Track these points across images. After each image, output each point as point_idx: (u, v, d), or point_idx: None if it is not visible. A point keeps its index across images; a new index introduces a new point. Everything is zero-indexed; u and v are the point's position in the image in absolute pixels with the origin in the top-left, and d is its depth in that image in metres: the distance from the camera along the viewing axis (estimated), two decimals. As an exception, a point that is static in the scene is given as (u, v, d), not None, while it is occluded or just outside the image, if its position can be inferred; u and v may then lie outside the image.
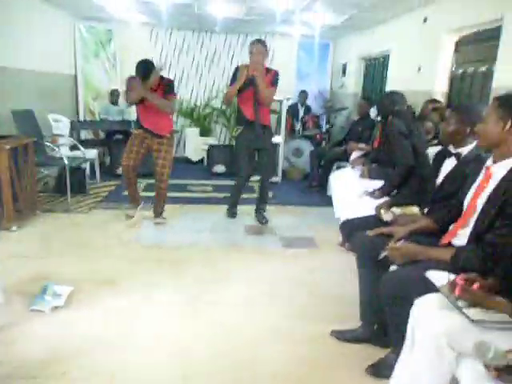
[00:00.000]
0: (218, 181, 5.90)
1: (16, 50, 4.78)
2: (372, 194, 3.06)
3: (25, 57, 4.99)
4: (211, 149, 6.56)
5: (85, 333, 2.25)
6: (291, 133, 6.77)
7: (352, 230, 2.49)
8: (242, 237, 3.86)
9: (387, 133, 3.19)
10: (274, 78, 3.90)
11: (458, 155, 2.27)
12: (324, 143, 6.50)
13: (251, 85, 3.78)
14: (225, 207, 4.50)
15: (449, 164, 2.30)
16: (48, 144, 4.57)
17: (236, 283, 2.92)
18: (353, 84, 6.67)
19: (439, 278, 1.62)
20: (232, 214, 4.35)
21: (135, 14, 5.99)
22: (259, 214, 4.28)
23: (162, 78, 3.83)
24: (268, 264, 3.26)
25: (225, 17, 5.57)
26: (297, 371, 2.02)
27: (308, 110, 7.08)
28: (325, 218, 4.30)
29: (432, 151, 2.68)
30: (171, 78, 3.89)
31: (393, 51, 5.36)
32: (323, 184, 5.27)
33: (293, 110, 6.99)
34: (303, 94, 7.07)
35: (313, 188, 5.54)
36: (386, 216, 2.48)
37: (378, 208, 2.57)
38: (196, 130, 7.35)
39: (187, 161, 7.24)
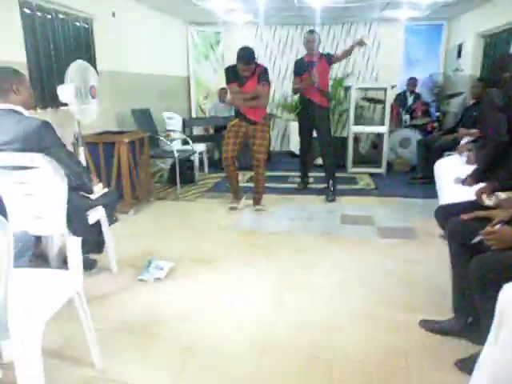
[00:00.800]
0: (318, 173, 5.86)
1: (136, 56, 5.40)
2: (464, 182, 2.75)
3: (143, 62, 5.60)
4: (314, 141, 6.54)
5: (179, 301, 2.48)
6: (398, 122, 6.42)
7: (448, 216, 2.30)
8: (337, 226, 3.81)
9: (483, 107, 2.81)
10: (328, 60, 4.55)
11: None
12: (435, 132, 6.02)
13: (308, 70, 4.49)
14: (323, 197, 4.58)
15: None
16: (162, 138, 5.07)
17: (325, 269, 2.91)
18: (470, 66, 6.05)
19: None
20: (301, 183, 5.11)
21: (240, 14, 6.27)
22: (327, 191, 4.67)
23: (257, 64, 3.98)
24: (361, 252, 3.18)
25: (325, 6, 5.52)
26: (376, 357, 1.96)
27: (417, 98, 6.63)
28: (429, 210, 3.97)
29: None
30: (267, 68, 4.04)
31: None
32: (429, 175, 4.91)
33: (401, 99, 6.63)
34: (412, 81, 6.64)
35: (418, 179, 5.20)
36: (488, 201, 2.24)
37: (479, 192, 2.32)
38: (300, 124, 7.40)
39: (292, 155, 7.36)
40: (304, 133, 4.90)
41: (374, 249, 3.25)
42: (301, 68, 4.60)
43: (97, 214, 2.65)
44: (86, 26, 4.39)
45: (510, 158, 2.39)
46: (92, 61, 4.31)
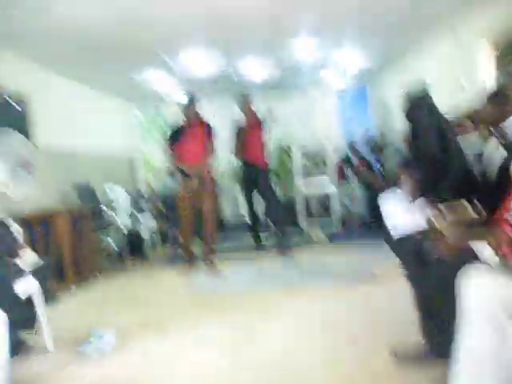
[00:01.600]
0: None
1: (80, 135, 5.35)
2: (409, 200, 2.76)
3: (88, 141, 5.55)
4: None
5: (128, 371, 2.17)
6: (343, 180, 6.64)
7: (399, 242, 2.26)
8: (295, 278, 3.68)
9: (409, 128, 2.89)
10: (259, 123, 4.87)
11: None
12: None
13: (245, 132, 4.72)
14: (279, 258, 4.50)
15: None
16: (106, 210, 4.86)
17: (284, 319, 2.72)
18: (398, 120, 6.52)
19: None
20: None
21: (180, 91, 6.50)
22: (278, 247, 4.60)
23: (201, 120, 4.21)
24: (321, 299, 3.04)
25: (263, 79, 5.89)
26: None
27: (359, 156, 6.96)
28: (385, 253, 4.00)
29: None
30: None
31: (429, 77, 5.25)
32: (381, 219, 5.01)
33: (344, 159, 6.92)
34: (352, 144, 7.00)
35: (371, 224, 5.29)
36: (438, 224, 2.22)
37: (428, 218, 2.31)
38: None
39: (243, 221, 7.30)
40: (247, 194, 4.93)
41: (334, 294, 3.12)
42: (239, 131, 4.81)
43: (26, 284, 2.37)
44: (20, 102, 4.31)
45: (445, 168, 2.44)
46: (28, 137, 4.18)
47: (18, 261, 2.36)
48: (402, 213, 2.98)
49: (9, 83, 4.12)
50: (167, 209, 6.58)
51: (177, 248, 5.10)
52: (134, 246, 4.99)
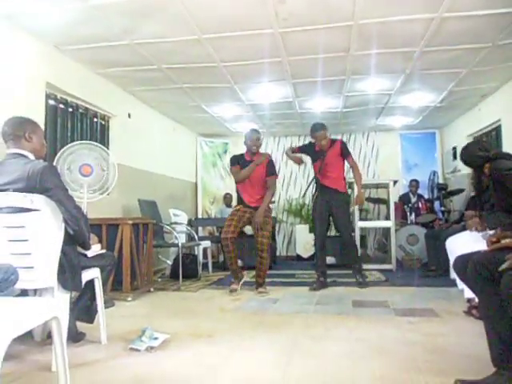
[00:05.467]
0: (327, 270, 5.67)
1: (147, 155, 5.71)
2: (492, 235, 2.61)
3: (154, 162, 5.90)
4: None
5: (172, 370, 2.17)
6: (404, 220, 6.43)
7: (467, 264, 2.13)
8: (349, 308, 3.53)
9: (496, 178, 2.73)
10: (342, 150, 4.39)
11: None
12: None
13: (319, 158, 4.39)
14: (336, 288, 4.38)
15: None
16: (167, 227, 5.03)
17: (339, 339, 2.61)
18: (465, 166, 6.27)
19: None
20: (319, 284, 4.35)
21: (246, 123, 6.78)
22: (355, 273, 4.48)
23: (261, 153, 4.30)
24: (377, 327, 2.88)
25: (323, 112, 5.98)
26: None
27: (420, 197, 6.75)
28: (446, 295, 3.86)
29: None
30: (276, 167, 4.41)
31: (504, 120, 5.07)
32: (442, 267, 4.76)
33: (405, 199, 6.75)
34: (414, 183, 6.83)
35: (430, 272, 5.00)
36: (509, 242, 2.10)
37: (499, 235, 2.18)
38: (305, 227, 7.42)
39: (298, 258, 7.25)
40: (321, 222, 4.42)
41: (391, 324, 2.96)
42: (314, 154, 4.47)
43: (92, 273, 2.50)
44: (103, 122, 4.73)
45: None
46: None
47: (88, 252, 2.49)
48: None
49: (96, 103, 4.55)
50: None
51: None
52: (189, 267, 5.09)
